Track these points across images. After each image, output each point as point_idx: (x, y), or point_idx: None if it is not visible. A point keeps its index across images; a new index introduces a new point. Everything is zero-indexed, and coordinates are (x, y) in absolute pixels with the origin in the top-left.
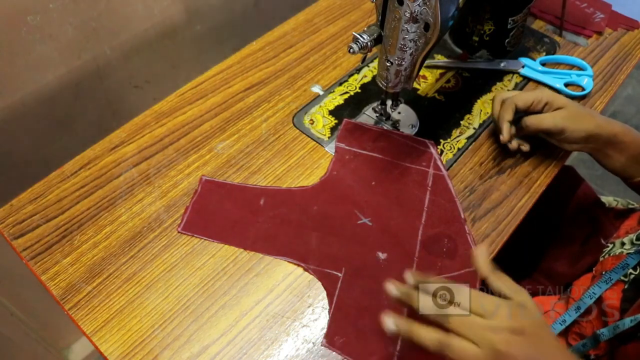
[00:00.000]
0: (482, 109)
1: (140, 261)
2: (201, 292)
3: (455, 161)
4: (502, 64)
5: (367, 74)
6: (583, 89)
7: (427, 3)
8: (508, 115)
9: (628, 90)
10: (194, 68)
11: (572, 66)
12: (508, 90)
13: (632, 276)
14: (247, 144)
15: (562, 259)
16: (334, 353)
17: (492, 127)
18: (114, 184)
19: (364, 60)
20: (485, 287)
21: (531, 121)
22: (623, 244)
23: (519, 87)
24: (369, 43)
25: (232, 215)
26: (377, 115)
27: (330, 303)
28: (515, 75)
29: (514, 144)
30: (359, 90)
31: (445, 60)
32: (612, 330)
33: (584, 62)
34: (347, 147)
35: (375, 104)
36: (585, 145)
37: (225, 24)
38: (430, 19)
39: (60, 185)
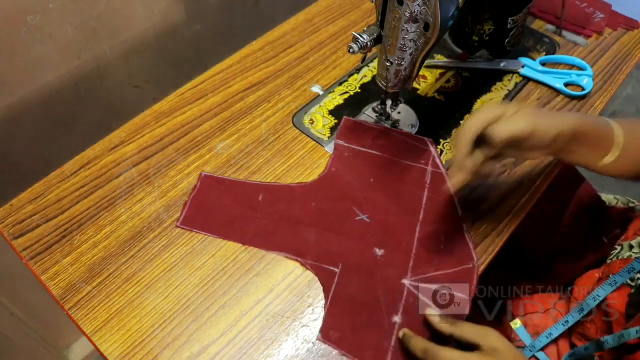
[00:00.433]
0: None
1: (140, 261)
2: (201, 292)
3: None
4: (502, 64)
5: (367, 74)
6: (583, 89)
7: (427, 3)
8: (466, 147)
9: (628, 90)
10: (194, 68)
11: (572, 66)
12: (508, 90)
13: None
14: (247, 144)
15: (563, 257)
16: (334, 353)
17: None
18: (114, 184)
19: (364, 60)
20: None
21: (499, 129)
22: (631, 247)
23: (519, 87)
24: (369, 43)
25: (231, 211)
26: (377, 115)
27: (326, 298)
28: (515, 75)
29: (496, 172)
30: (359, 90)
31: (445, 60)
32: (617, 339)
33: (583, 62)
34: (346, 145)
35: (375, 104)
36: (550, 147)
37: (225, 24)
38: (430, 19)
39: (60, 185)
